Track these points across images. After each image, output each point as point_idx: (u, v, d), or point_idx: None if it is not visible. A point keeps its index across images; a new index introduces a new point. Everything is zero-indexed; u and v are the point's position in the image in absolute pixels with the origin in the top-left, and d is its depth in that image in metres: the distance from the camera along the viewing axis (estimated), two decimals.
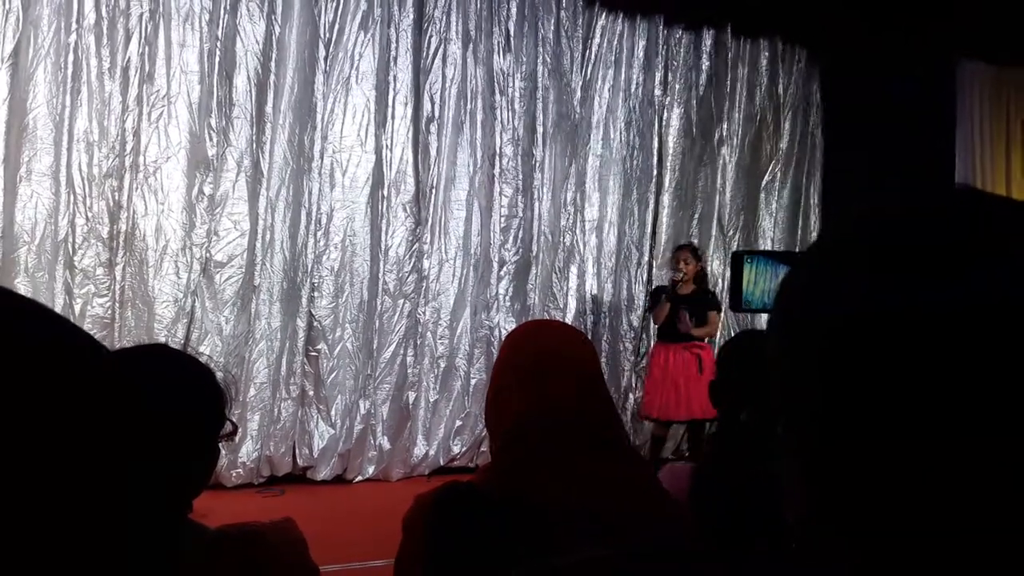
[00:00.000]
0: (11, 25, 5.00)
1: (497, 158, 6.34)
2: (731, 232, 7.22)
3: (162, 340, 5.23)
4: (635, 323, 6.82)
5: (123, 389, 0.50)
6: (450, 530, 1.29)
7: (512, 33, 6.40)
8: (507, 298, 6.37)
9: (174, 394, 1.28)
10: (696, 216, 7.10)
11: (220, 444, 1.39)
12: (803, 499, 0.52)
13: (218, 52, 5.47)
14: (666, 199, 6.98)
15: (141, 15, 5.31)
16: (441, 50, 6.14)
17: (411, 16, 6.04)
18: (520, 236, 6.41)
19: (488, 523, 1.27)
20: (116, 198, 5.27)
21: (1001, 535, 0.45)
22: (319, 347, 5.73)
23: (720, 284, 6.84)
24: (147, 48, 5.32)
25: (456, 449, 6.15)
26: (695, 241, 6.66)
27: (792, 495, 0.53)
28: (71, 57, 5.14)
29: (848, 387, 0.47)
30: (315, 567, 1.43)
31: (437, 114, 6.13)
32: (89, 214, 5.20)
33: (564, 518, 1.30)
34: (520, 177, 6.41)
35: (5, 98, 4.99)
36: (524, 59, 6.44)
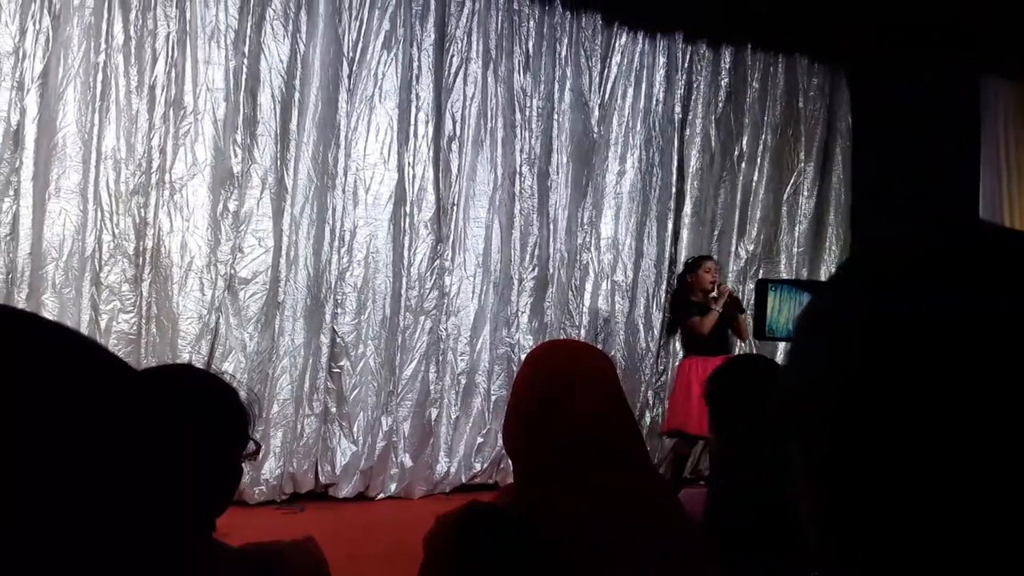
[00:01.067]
0: (41, 46, 5.10)
1: (517, 176, 6.36)
2: (752, 247, 7.19)
3: (186, 356, 5.28)
4: (652, 341, 6.78)
5: (152, 408, 0.51)
6: (472, 551, 1.29)
7: (531, 53, 6.43)
8: (525, 316, 6.37)
9: (198, 413, 1.29)
10: (716, 232, 7.08)
11: (243, 463, 1.40)
12: (822, 517, 0.52)
13: (245, 70, 5.54)
14: (686, 216, 6.97)
15: (168, 35, 5.39)
16: (462, 69, 6.18)
17: (433, 36, 6.09)
18: (537, 254, 6.42)
19: (509, 545, 1.27)
20: (142, 215, 5.33)
21: (1007, 539, 0.45)
22: (342, 364, 5.76)
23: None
24: (174, 67, 5.39)
25: (477, 466, 6.14)
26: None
27: (809, 515, 0.54)
28: (100, 76, 5.22)
29: (861, 391, 0.48)
30: None
31: (458, 132, 6.17)
32: (116, 231, 5.27)
33: (578, 535, 1.30)
34: (536, 196, 6.43)
35: (35, 117, 5.08)
36: (543, 79, 6.47)
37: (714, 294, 5.82)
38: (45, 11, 5.12)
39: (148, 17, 5.35)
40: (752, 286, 6.90)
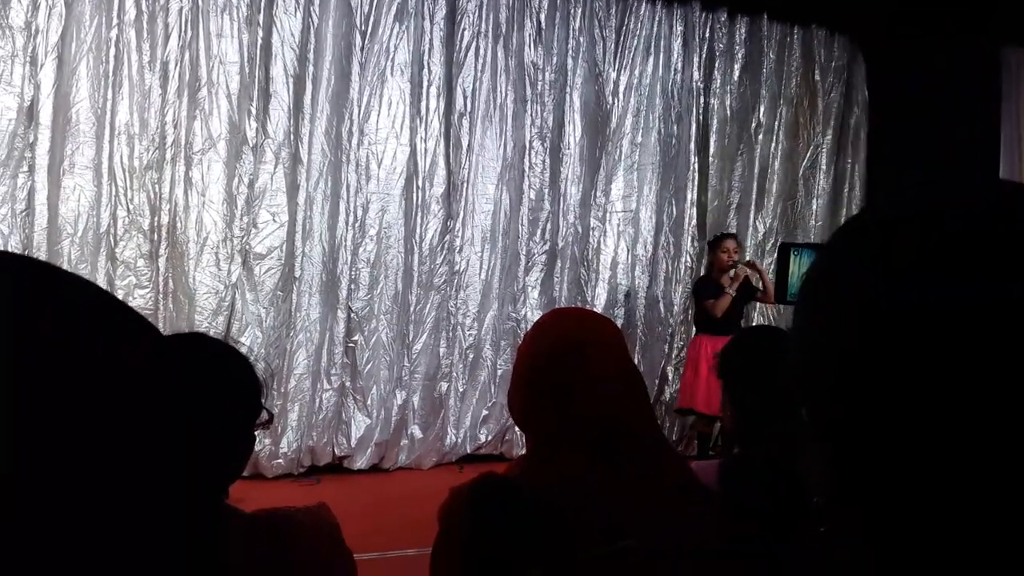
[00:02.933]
0: (55, 20, 5.09)
1: (527, 151, 6.33)
2: (770, 220, 7.15)
3: (204, 331, 5.31)
4: (672, 316, 6.76)
5: (174, 370, 0.51)
6: (484, 523, 1.29)
7: (543, 25, 6.37)
8: (535, 291, 6.37)
9: (211, 380, 1.30)
10: (734, 205, 7.03)
11: (256, 432, 1.41)
12: (828, 482, 0.53)
13: (259, 43, 5.52)
14: (706, 189, 6.94)
15: (180, 9, 5.37)
16: (473, 44, 6.14)
17: (444, 9, 6.04)
18: (548, 229, 6.40)
19: (520, 516, 1.28)
20: (157, 190, 5.34)
21: (1011, 532, 0.45)
22: (355, 338, 5.78)
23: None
24: (186, 41, 5.38)
25: (483, 437, 6.20)
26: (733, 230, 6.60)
27: (818, 477, 0.54)
28: (112, 51, 5.21)
29: (871, 376, 0.48)
30: (348, 550, 1.44)
31: (469, 107, 6.14)
32: (131, 206, 5.29)
33: (587, 515, 1.30)
34: (548, 170, 6.40)
35: (50, 92, 5.09)
36: (555, 51, 6.41)
37: (730, 275, 5.80)
38: None
39: None
40: (770, 260, 6.89)
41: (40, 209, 5.06)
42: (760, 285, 5.91)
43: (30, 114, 5.07)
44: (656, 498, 1.40)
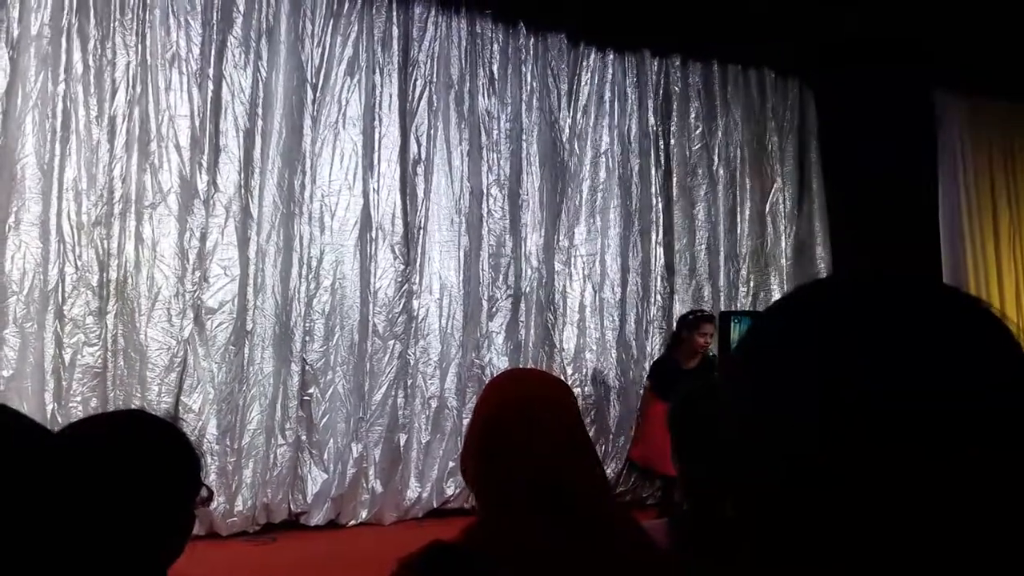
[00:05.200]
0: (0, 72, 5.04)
1: (484, 198, 6.36)
2: (740, 262, 7.24)
3: (155, 389, 5.22)
4: (647, 356, 6.71)
5: (72, 466, 0.51)
6: None
7: (496, 76, 6.46)
8: (499, 336, 6.35)
9: (148, 462, 1.27)
10: (703, 246, 7.11)
11: (195, 510, 1.38)
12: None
13: (208, 97, 5.51)
14: (670, 227, 7.02)
15: (128, 63, 5.35)
16: (426, 93, 6.19)
17: (395, 60, 6.10)
18: (511, 274, 6.42)
19: None
20: (106, 246, 5.26)
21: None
22: (311, 391, 5.71)
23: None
24: (135, 96, 5.34)
25: (449, 491, 6.09)
26: (709, 309, 6.50)
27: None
28: (60, 106, 5.16)
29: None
30: None
31: (423, 156, 6.16)
32: (79, 263, 5.19)
33: (537, 567, 1.28)
34: (508, 217, 6.44)
35: None
36: (509, 100, 6.49)
37: (693, 364, 5.57)
38: (2, 41, 5.06)
39: (107, 46, 5.32)
40: (741, 301, 6.99)
41: None
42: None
43: None
44: (610, 556, 1.39)
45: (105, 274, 5.26)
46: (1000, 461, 0.44)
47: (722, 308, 6.88)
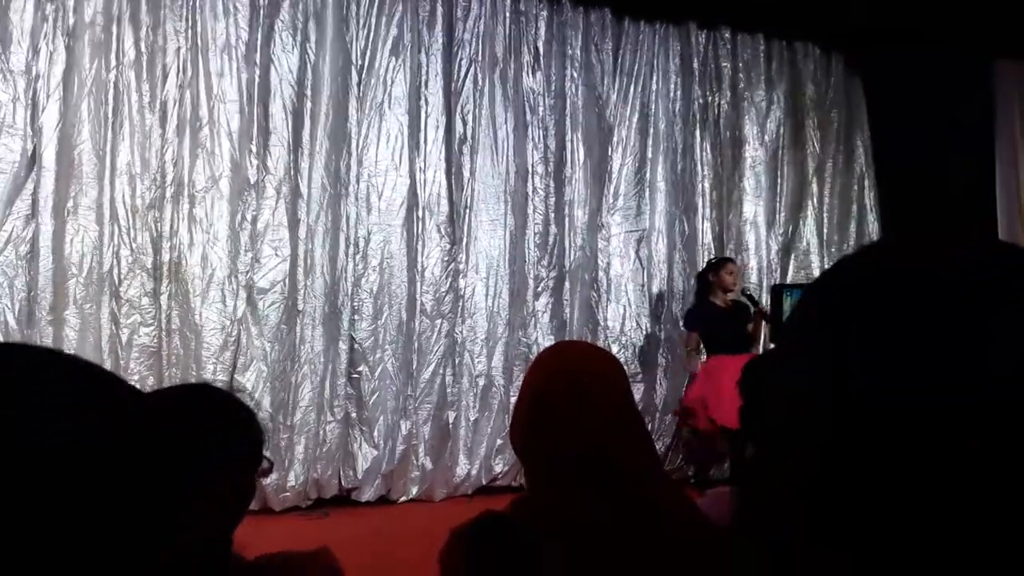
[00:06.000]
0: (56, 63, 5.16)
1: (530, 176, 6.36)
2: (781, 237, 7.17)
3: (210, 368, 5.33)
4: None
5: (161, 433, 0.53)
6: (484, 566, 1.29)
7: (541, 52, 6.44)
8: (545, 315, 6.37)
9: (212, 434, 1.32)
10: (749, 221, 7.06)
11: (257, 480, 1.43)
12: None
13: (256, 81, 5.58)
14: (719, 203, 6.97)
15: (179, 49, 5.44)
16: (471, 72, 6.20)
17: (440, 40, 6.11)
18: (555, 252, 6.42)
19: (519, 556, 1.28)
20: (159, 228, 5.38)
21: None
22: (360, 369, 5.79)
23: (764, 295, 6.68)
24: (185, 81, 5.44)
25: (498, 468, 6.14)
26: (732, 255, 6.62)
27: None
28: (112, 93, 5.27)
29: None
30: None
31: (469, 135, 6.18)
32: (134, 245, 5.32)
33: (588, 552, 1.30)
34: (553, 194, 6.43)
35: (53, 135, 5.14)
36: (553, 76, 6.47)
37: (732, 296, 5.90)
38: (58, 29, 5.18)
39: (158, 33, 5.41)
40: (778, 274, 6.94)
41: (44, 251, 5.10)
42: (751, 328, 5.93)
43: (33, 157, 5.12)
44: (657, 534, 1.40)
45: (159, 256, 5.38)
46: (1001, 454, 0.44)
47: (766, 283, 6.84)
